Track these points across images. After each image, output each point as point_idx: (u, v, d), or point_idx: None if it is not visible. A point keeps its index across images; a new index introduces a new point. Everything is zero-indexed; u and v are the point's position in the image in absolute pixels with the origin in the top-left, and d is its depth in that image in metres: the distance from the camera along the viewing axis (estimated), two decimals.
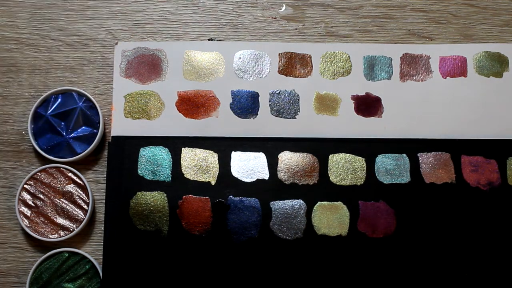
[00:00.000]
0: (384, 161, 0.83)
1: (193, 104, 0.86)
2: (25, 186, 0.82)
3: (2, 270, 0.81)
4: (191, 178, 0.82)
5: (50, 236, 0.81)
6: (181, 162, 0.82)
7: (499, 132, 0.85)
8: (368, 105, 0.87)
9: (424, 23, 0.90)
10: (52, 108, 0.85)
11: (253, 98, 0.86)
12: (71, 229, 0.81)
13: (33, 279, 0.79)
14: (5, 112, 0.86)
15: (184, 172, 0.82)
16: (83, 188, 0.83)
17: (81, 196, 0.83)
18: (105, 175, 0.83)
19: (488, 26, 0.91)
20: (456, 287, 0.80)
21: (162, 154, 0.82)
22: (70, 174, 0.83)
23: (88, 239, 0.83)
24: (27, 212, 0.82)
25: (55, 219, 0.82)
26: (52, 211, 0.82)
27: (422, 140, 0.84)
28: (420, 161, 0.83)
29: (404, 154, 0.83)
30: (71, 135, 0.84)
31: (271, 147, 0.83)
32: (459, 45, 0.89)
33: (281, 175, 0.82)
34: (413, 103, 0.86)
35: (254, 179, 0.82)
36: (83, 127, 0.85)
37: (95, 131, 0.85)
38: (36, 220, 0.81)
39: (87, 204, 0.82)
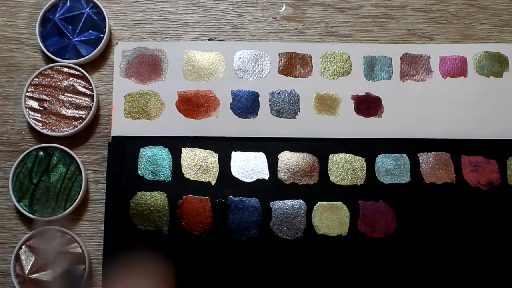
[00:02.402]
0: (384, 161, 0.83)
1: (193, 104, 0.86)
2: (27, 94, 0.84)
3: (2, 270, 0.81)
4: (191, 178, 0.82)
5: (66, 130, 0.84)
6: (181, 162, 0.82)
7: (499, 132, 0.85)
8: (368, 105, 0.87)
9: (424, 23, 0.90)
10: (60, 12, 0.88)
11: (253, 98, 0.86)
12: (84, 117, 0.84)
13: (16, 188, 0.82)
14: (5, 112, 0.86)
15: (184, 172, 0.82)
16: (82, 77, 0.85)
17: (82, 84, 0.85)
18: (105, 175, 0.83)
19: (488, 26, 0.91)
20: (456, 287, 0.80)
21: (162, 154, 0.82)
22: (65, 70, 0.86)
23: (88, 237, 0.83)
24: (37, 116, 0.84)
25: (65, 113, 0.84)
26: (60, 107, 0.84)
27: (422, 140, 0.84)
28: (420, 161, 0.83)
29: (404, 154, 0.83)
30: (77, 38, 0.87)
31: (271, 147, 0.83)
32: (459, 45, 0.89)
33: (281, 175, 0.82)
34: (413, 103, 0.86)
35: (254, 179, 0.82)
36: (90, 31, 0.88)
37: (101, 35, 0.87)
38: (48, 121, 0.84)
39: (91, 89, 0.85)
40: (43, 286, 0.79)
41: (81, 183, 0.81)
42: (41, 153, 0.82)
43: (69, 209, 0.81)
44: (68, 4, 0.88)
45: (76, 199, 0.81)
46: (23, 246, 0.80)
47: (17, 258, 0.80)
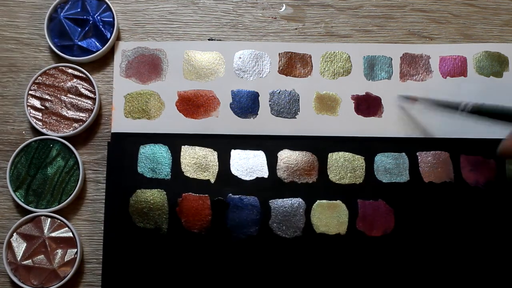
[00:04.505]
0: (383, 160, 0.83)
1: (193, 104, 0.86)
2: (30, 92, 0.84)
3: (2, 270, 0.81)
4: (190, 176, 0.82)
5: (66, 131, 0.84)
6: (181, 160, 0.82)
7: (498, 131, 0.85)
8: (368, 105, 0.87)
9: (424, 23, 0.90)
10: (68, 12, 0.88)
11: (253, 98, 0.86)
12: (84, 119, 0.84)
13: (13, 178, 0.82)
14: (5, 112, 0.86)
15: (183, 170, 0.82)
16: (86, 79, 0.85)
17: (85, 87, 0.85)
18: (105, 175, 0.83)
19: (488, 26, 0.91)
20: (454, 286, 0.80)
21: (161, 152, 0.82)
22: (70, 71, 0.86)
23: (88, 236, 0.83)
24: (38, 115, 0.84)
25: (66, 115, 0.84)
26: (62, 108, 0.84)
27: (421, 139, 0.84)
28: (419, 160, 0.83)
29: (403, 153, 0.83)
30: (79, 43, 0.87)
31: (270, 145, 0.83)
32: (459, 45, 0.90)
33: (280, 173, 0.82)
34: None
35: (254, 177, 0.82)
36: (93, 39, 0.88)
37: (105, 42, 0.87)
38: (49, 121, 0.84)
39: (94, 92, 0.85)
40: (35, 272, 0.79)
41: (77, 178, 0.82)
42: (43, 143, 0.83)
43: (63, 203, 0.81)
44: (79, 8, 0.88)
45: (72, 193, 0.81)
46: (14, 234, 0.80)
47: (9, 245, 0.80)
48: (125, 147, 0.83)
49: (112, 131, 0.85)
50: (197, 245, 0.80)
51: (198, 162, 0.82)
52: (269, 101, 0.86)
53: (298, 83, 0.87)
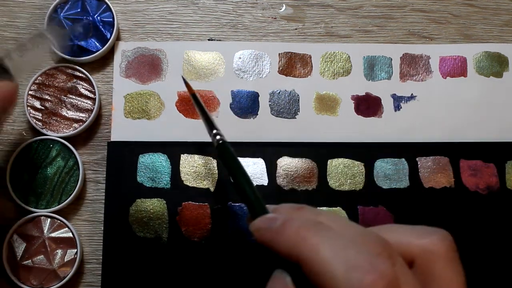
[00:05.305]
0: (383, 166, 0.83)
1: (193, 104, 0.86)
2: (30, 92, 0.85)
3: (1, 270, 0.82)
4: (190, 185, 0.82)
5: (66, 131, 0.84)
6: (180, 168, 0.82)
7: (499, 133, 0.85)
8: (368, 105, 0.87)
9: (424, 23, 0.90)
10: (68, 12, 0.87)
11: (253, 98, 0.86)
12: (84, 120, 0.84)
13: (13, 178, 0.82)
14: None
15: (183, 178, 0.82)
16: (85, 79, 0.86)
17: (85, 87, 0.85)
18: (105, 175, 0.83)
19: (488, 26, 0.91)
20: None
21: (161, 161, 0.82)
22: (69, 71, 0.86)
23: (88, 237, 0.83)
24: (38, 115, 0.84)
25: (66, 115, 0.84)
26: (62, 108, 0.85)
27: (421, 144, 0.85)
28: (419, 166, 0.83)
29: (403, 159, 0.83)
30: (79, 43, 0.87)
31: (269, 152, 0.83)
32: (459, 45, 0.89)
33: (280, 180, 0.82)
34: (413, 103, 0.87)
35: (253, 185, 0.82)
36: (92, 40, 0.87)
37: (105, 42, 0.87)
38: (49, 121, 0.84)
39: (93, 92, 0.85)
40: (35, 272, 0.80)
41: (77, 178, 0.82)
42: (43, 143, 0.83)
43: (63, 204, 0.81)
44: (79, 8, 0.88)
45: (72, 193, 0.81)
46: (14, 234, 0.80)
47: (9, 245, 0.80)
48: (124, 156, 0.83)
49: (112, 134, 0.85)
50: (197, 254, 0.80)
51: (197, 170, 0.82)
52: (269, 101, 0.86)
53: (298, 83, 0.87)
